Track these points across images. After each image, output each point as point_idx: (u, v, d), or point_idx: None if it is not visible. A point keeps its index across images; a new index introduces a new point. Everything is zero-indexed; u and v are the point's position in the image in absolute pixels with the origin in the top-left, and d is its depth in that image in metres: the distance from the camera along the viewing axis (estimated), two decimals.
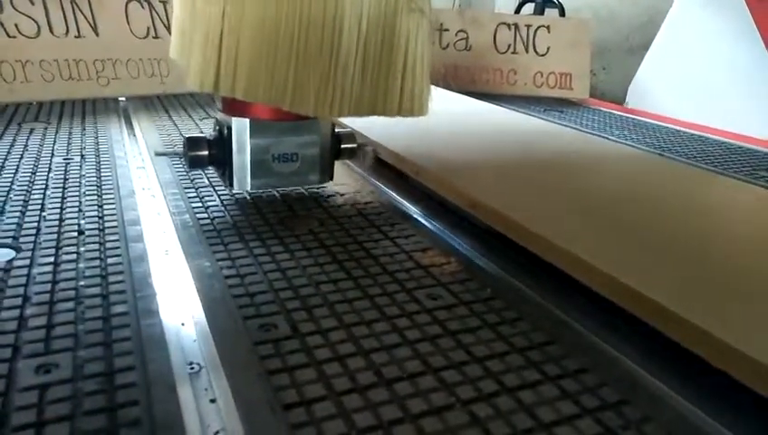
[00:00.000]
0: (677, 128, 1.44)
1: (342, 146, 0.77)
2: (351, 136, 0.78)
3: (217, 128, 0.72)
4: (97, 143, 0.97)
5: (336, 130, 0.76)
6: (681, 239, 0.59)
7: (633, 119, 1.55)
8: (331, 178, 0.76)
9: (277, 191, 0.77)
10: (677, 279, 0.50)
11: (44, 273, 0.53)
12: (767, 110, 1.50)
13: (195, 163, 0.72)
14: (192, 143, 0.71)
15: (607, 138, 1.27)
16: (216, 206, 0.72)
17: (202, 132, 1.03)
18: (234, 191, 0.75)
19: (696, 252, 0.56)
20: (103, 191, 0.75)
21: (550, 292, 0.54)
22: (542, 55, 1.74)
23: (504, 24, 1.73)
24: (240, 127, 0.68)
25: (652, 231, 0.60)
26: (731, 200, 0.76)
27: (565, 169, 0.84)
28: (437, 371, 0.42)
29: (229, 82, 0.58)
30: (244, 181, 0.70)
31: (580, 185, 0.77)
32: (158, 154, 0.92)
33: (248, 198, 0.75)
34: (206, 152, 0.71)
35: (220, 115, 0.71)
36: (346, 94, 0.60)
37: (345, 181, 0.84)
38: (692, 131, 1.41)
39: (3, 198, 0.70)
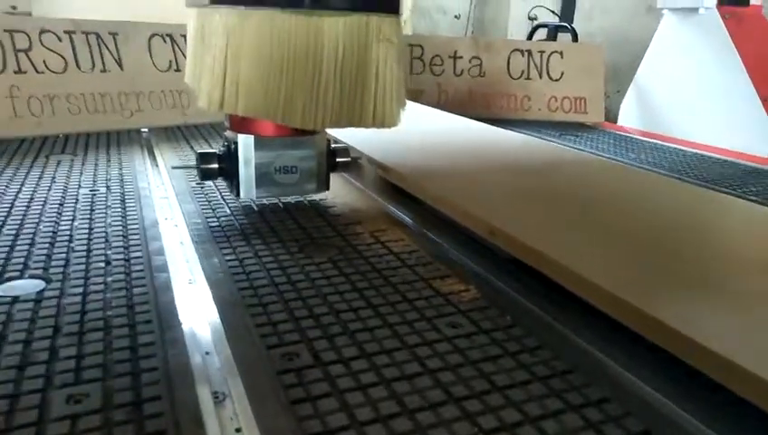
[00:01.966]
0: (693, 150, 1.44)
1: (338, 160, 0.85)
2: (346, 151, 0.87)
3: (226, 144, 0.80)
4: (121, 174, 1.00)
5: (332, 145, 0.84)
6: (705, 266, 0.59)
7: (649, 142, 1.55)
8: (327, 189, 0.85)
9: (294, 218, 0.79)
10: (703, 307, 0.50)
11: (74, 303, 0.54)
12: (748, 125, 1.53)
13: (206, 175, 0.81)
14: (203, 158, 0.80)
15: (624, 161, 1.27)
16: (238, 234, 0.73)
17: None
18: (240, 200, 0.83)
19: (724, 282, 0.56)
20: (128, 222, 0.77)
21: (569, 319, 0.54)
22: (556, 80, 1.75)
23: (518, 50, 1.75)
24: (246, 143, 0.77)
25: (676, 259, 0.60)
26: (760, 227, 0.75)
27: (581, 193, 0.84)
28: (459, 400, 0.42)
29: (232, 101, 0.69)
30: (250, 191, 0.78)
31: (600, 211, 0.77)
32: (174, 168, 0.99)
33: (255, 208, 0.79)
34: (216, 165, 0.80)
35: (228, 132, 0.80)
36: (327, 109, 0.70)
37: (362, 209, 0.85)
38: (708, 154, 1.40)
39: (33, 230, 0.72)
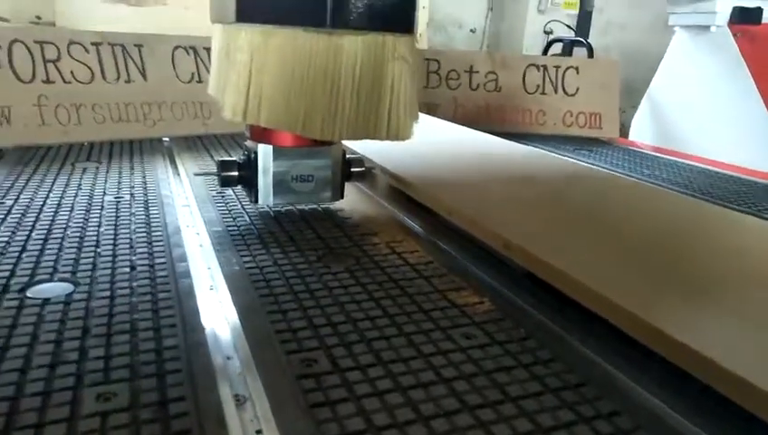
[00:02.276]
0: (707, 167, 1.44)
1: (352, 169, 0.88)
2: (360, 161, 0.90)
3: (245, 153, 0.84)
4: (145, 182, 1.03)
5: (347, 155, 0.87)
6: (716, 281, 0.59)
7: (664, 158, 1.55)
8: (342, 197, 0.87)
9: (312, 228, 0.81)
10: (715, 323, 0.50)
11: (101, 306, 0.56)
12: (759, 142, 1.53)
13: (226, 182, 0.84)
14: (224, 166, 0.84)
15: (638, 177, 1.28)
16: (257, 242, 0.75)
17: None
18: (258, 206, 0.87)
19: (734, 297, 0.56)
20: (152, 228, 0.79)
21: (582, 333, 0.55)
22: (572, 96, 1.76)
23: (534, 65, 1.77)
24: (265, 152, 0.80)
25: (691, 275, 0.61)
26: None
27: (595, 208, 0.85)
28: (473, 409, 0.43)
29: (255, 113, 0.72)
30: (267, 198, 0.82)
31: (614, 225, 0.78)
32: (196, 174, 1.03)
33: (272, 215, 0.85)
34: (235, 173, 0.83)
35: (249, 142, 0.83)
36: (345, 122, 0.74)
37: (378, 219, 0.87)
38: (723, 171, 1.40)
39: (61, 235, 0.75)
